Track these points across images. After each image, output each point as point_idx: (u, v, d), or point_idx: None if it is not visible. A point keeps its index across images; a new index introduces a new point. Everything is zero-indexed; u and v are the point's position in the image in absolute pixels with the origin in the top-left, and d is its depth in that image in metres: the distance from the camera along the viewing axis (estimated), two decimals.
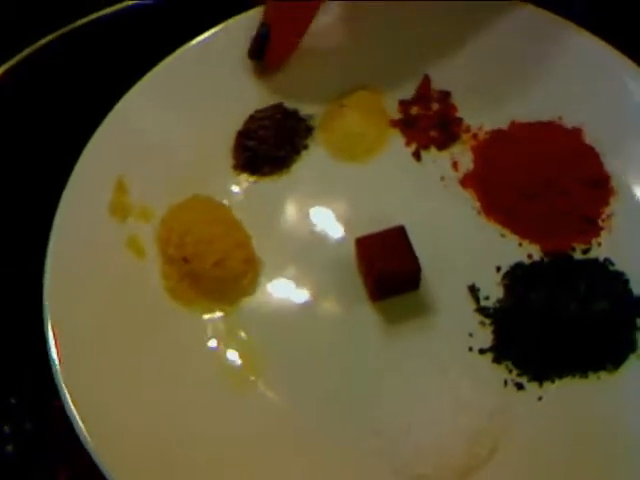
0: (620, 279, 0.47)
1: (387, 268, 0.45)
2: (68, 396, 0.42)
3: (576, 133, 0.53)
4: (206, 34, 0.56)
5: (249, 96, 0.56)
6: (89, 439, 0.41)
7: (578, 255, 0.49)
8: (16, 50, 0.57)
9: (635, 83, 0.51)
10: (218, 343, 0.48)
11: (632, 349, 0.44)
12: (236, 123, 0.56)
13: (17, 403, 0.46)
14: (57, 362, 0.44)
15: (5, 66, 0.55)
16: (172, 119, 0.54)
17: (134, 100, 0.53)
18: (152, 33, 0.60)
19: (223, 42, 0.56)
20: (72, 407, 0.42)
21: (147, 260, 0.50)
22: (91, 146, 0.51)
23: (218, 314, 0.49)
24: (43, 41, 0.57)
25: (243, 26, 0.56)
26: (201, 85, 0.55)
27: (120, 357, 0.46)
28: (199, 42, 0.56)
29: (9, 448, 0.44)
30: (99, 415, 0.43)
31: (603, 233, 0.50)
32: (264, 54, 0.54)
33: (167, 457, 0.43)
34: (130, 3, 0.59)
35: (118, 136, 0.52)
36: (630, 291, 0.46)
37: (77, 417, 0.42)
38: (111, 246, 0.49)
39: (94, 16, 0.59)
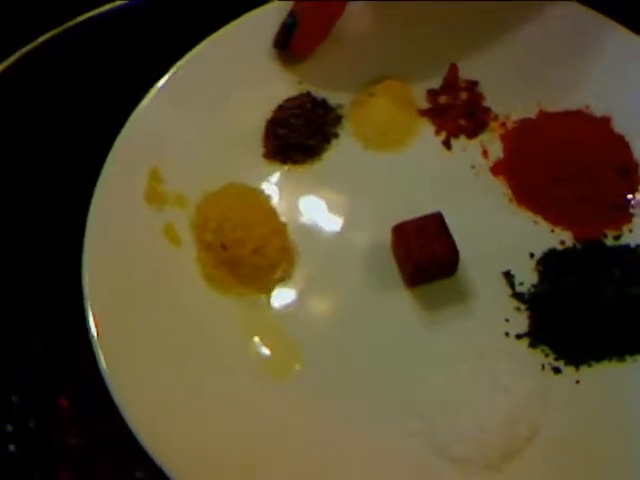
0: None
1: (426, 254, 0.46)
2: (115, 389, 0.42)
3: (605, 122, 0.53)
4: (233, 24, 0.57)
5: (277, 86, 0.56)
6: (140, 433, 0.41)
7: (610, 241, 0.50)
8: (13, 48, 0.57)
9: None
10: (254, 330, 0.48)
11: None
12: (265, 112, 0.56)
13: (19, 402, 0.46)
14: (101, 352, 0.44)
15: (2, 65, 0.55)
16: (202, 109, 0.54)
17: (164, 90, 0.53)
18: (149, 31, 0.60)
19: (250, 32, 0.56)
20: (119, 399, 0.42)
21: (183, 247, 0.50)
22: (124, 136, 0.51)
23: (254, 301, 0.49)
24: (40, 39, 0.57)
25: (270, 16, 0.56)
26: (230, 75, 0.55)
27: (159, 345, 0.46)
28: (227, 32, 0.56)
29: (11, 447, 0.44)
30: (143, 407, 0.43)
31: (634, 220, 0.50)
32: (289, 44, 0.54)
33: (211, 446, 0.43)
34: (126, 1, 0.59)
35: (150, 126, 0.52)
36: None
37: (124, 409, 0.42)
38: (148, 234, 0.49)
39: (90, 14, 0.58)
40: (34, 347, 0.47)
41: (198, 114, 0.54)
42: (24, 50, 0.57)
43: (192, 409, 0.44)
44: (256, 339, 0.48)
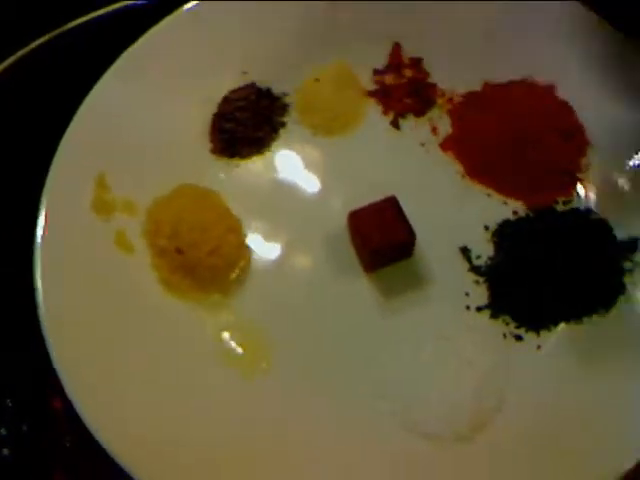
0: (603, 226, 0.48)
1: (383, 239, 0.46)
2: (76, 400, 0.42)
3: (549, 89, 0.54)
4: (169, 19, 0.55)
5: (221, 78, 0.56)
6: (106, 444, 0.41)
7: (560, 207, 0.51)
8: (12, 50, 0.56)
9: (603, 38, 0.52)
10: (217, 330, 0.48)
11: (621, 291, 0.46)
12: (211, 106, 0.55)
13: (14, 405, 0.46)
14: (59, 365, 0.43)
15: (1, 66, 0.53)
16: (144, 108, 0.53)
17: (103, 93, 0.52)
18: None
19: (189, 25, 0.55)
20: (82, 410, 0.42)
21: (136, 255, 0.49)
22: (65, 145, 0.50)
23: (214, 302, 0.49)
24: (39, 41, 0.56)
25: (204, 9, 0.55)
26: (172, 70, 0.54)
27: (121, 354, 0.45)
28: (164, 27, 0.55)
29: (5, 451, 0.44)
30: (107, 417, 0.42)
31: (581, 185, 0.51)
32: None
33: (181, 452, 0.43)
34: (126, 3, 0.58)
35: (91, 132, 0.51)
36: (614, 237, 0.48)
37: (88, 421, 0.41)
38: (99, 244, 0.48)
39: (90, 16, 0.57)
40: (29, 350, 0.46)
41: (141, 114, 0.53)
42: (20, 53, 0.56)
43: (162, 415, 0.44)
44: (220, 338, 0.48)
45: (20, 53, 0.55)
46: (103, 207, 0.49)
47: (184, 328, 0.47)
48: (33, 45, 0.56)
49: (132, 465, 0.41)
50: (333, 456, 0.43)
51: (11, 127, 0.54)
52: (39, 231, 0.47)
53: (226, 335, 0.48)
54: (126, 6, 0.57)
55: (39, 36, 0.56)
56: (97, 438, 0.41)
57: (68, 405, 0.44)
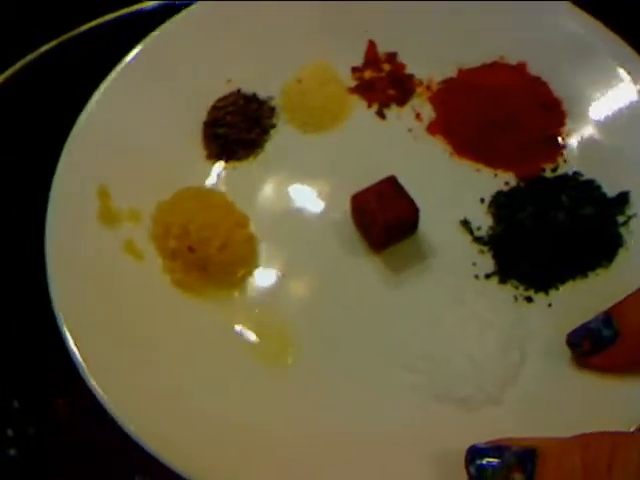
0: (593, 185, 0.51)
1: (390, 216, 0.47)
2: (109, 404, 0.42)
3: (520, 67, 0.57)
4: (153, 34, 0.57)
5: (207, 87, 0.57)
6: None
7: (549, 174, 0.53)
8: (20, 55, 0.56)
9: (569, 15, 0.55)
10: (236, 323, 0.48)
11: (620, 244, 0.49)
12: (199, 115, 0.56)
13: (20, 407, 0.46)
14: (87, 373, 0.43)
15: (8, 71, 0.53)
16: (137, 121, 0.54)
17: (98, 107, 0.53)
18: None
19: (173, 39, 0.56)
20: (113, 410, 0.41)
21: (147, 261, 0.49)
22: (65, 159, 0.50)
23: (228, 297, 0.49)
24: (46, 47, 0.57)
25: (188, 23, 0.57)
26: (161, 83, 0.55)
27: (147, 360, 0.45)
28: (150, 42, 0.56)
29: (12, 451, 0.44)
30: (143, 421, 0.42)
31: (565, 151, 0.54)
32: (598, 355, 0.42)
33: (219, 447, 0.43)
34: (133, 9, 0.59)
35: (89, 146, 0.51)
36: (605, 194, 0.50)
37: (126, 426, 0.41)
38: (110, 255, 0.48)
39: (98, 21, 0.58)
40: (35, 352, 0.47)
41: (136, 126, 0.53)
42: (28, 58, 0.56)
43: (188, 413, 0.44)
44: (240, 331, 0.48)
45: (29, 58, 0.55)
46: (109, 217, 0.49)
47: (203, 326, 0.48)
48: (41, 50, 0.56)
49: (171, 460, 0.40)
50: (368, 439, 0.44)
51: (17, 132, 0.54)
52: (49, 246, 0.46)
53: (244, 328, 0.48)
54: (135, 11, 0.58)
55: (47, 41, 0.56)
56: (138, 440, 0.40)
57: (73, 407, 0.44)
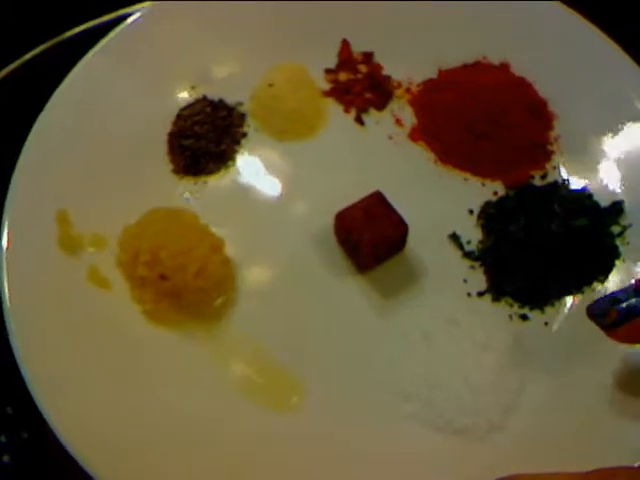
0: (585, 195, 0.49)
1: (378, 234, 0.44)
2: (74, 450, 0.38)
3: (504, 67, 0.54)
4: (110, 36, 0.52)
5: (170, 95, 0.53)
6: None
7: (538, 182, 0.51)
8: (10, 59, 0.53)
9: (554, 13, 0.53)
10: (217, 354, 0.45)
11: (616, 256, 0.47)
12: (164, 126, 0.52)
13: (14, 413, 0.44)
14: (49, 413, 0.39)
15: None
16: (93, 135, 0.49)
17: (51, 122, 0.48)
18: None
19: (130, 43, 0.52)
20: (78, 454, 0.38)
21: (114, 289, 0.45)
22: (18, 180, 0.45)
23: (204, 327, 0.45)
24: (36, 50, 0.54)
25: (145, 25, 0.52)
26: (118, 91, 0.51)
27: (112, 395, 0.42)
28: (104, 47, 0.51)
29: (5, 458, 0.43)
30: (107, 461, 0.39)
31: (554, 157, 0.51)
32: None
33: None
34: (122, 12, 0.55)
35: (43, 168, 0.47)
36: (597, 203, 0.48)
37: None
38: (72, 284, 0.44)
39: (85, 26, 0.55)
40: None
41: (94, 143, 0.49)
42: (17, 62, 0.53)
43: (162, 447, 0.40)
44: (220, 365, 0.44)
45: (17, 62, 0.52)
46: (70, 244, 0.45)
47: (174, 359, 0.44)
48: (28, 56, 0.53)
49: None
50: (367, 470, 0.41)
51: (9, 135, 0.49)
52: (3, 275, 0.42)
53: (223, 361, 0.44)
54: (121, 15, 0.54)
55: (33, 47, 0.53)
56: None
57: None
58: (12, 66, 0.53)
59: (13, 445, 0.43)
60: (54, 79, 0.49)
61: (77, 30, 0.55)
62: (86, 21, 0.55)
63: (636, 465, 0.38)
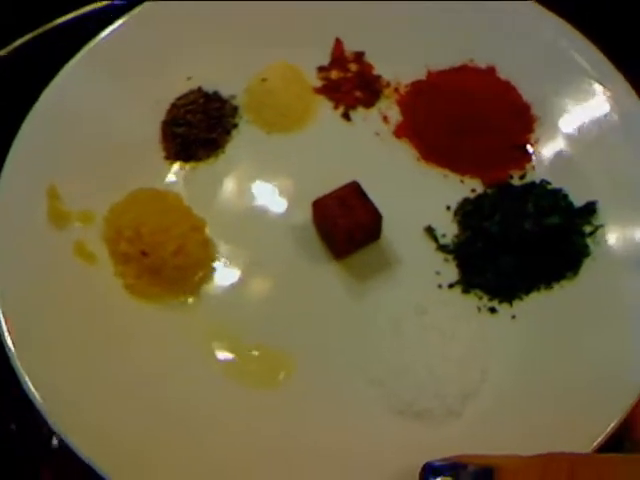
0: (560, 195, 0.50)
1: (352, 222, 0.46)
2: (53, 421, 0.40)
3: (490, 71, 0.55)
4: (109, 29, 0.54)
5: (166, 85, 0.55)
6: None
7: (516, 182, 0.52)
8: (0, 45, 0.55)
9: (539, 18, 0.54)
10: (191, 332, 0.46)
11: (586, 254, 0.48)
12: (158, 114, 0.54)
13: (1, 404, 0.45)
14: (32, 389, 0.40)
15: None
16: (91, 119, 0.52)
17: (49, 104, 0.50)
18: None
19: (129, 36, 0.54)
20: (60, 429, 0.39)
21: (99, 264, 0.47)
22: (13, 156, 0.48)
23: (183, 304, 0.47)
24: (28, 36, 0.56)
25: (147, 17, 0.55)
26: (114, 80, 0.53)
27: (96, 368, 0.43)
28: (105, 38, 0.54)
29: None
30: (89, 437, 0.40)
31: (534, 158, 0.53)
32: None
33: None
34: (105, 3, 0.57)
35: (38, 144, 0.49)
36: (571, 203, 0.49)
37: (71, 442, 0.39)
38: (59, 257, 0.46)
39: (73, 14, 0.57)
40: None
41: (89, 125, 0.51)
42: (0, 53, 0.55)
43: (145, 426, 0.42)
44: (197, 338, 0.46)
45: (1, 52, 0.53)
46: (59, 218, 0.47)
47: (157, 333, 0.46)
48: (16, 44, 0.55)
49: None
50: (330, 450, 0.42)
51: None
52: None
53: (200, 335, 0.46)
54: (114, 3, 0.56)
55: (20, 36, 0.55)
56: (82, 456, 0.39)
57: None
58: (2, 52, 0.54)
59: (0, 437, 0.44)
60: (47, 65, 0.50)
61: (69, 17, 0.57)
62: (78, 8, 0.57)
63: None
